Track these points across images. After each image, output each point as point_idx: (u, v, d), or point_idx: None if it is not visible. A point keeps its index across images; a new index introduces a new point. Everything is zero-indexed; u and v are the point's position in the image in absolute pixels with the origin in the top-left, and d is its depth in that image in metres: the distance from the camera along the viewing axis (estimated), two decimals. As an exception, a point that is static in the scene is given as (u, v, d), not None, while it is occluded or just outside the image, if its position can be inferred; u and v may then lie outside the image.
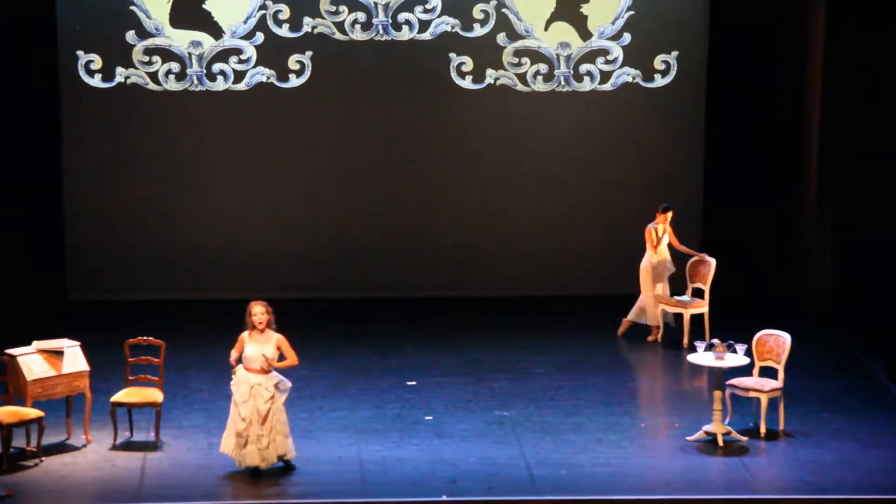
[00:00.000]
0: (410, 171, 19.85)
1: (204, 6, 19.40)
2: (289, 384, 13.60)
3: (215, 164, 19.69)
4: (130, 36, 19.33)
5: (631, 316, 18.07)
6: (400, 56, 19.57)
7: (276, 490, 13.16)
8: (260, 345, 13.42)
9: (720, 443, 14.21)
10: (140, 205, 19.59)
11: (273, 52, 19.47)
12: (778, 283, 19.56)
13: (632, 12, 19.61)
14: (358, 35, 19.51)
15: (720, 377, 14.34)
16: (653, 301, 17.89)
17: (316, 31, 19.48)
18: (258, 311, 13.44)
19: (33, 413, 13.87)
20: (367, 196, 19.82)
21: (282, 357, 13.50)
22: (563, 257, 19.95)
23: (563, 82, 19.72)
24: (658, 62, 19.73)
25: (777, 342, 14.76)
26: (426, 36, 19.56)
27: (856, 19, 18.01)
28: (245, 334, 13.48)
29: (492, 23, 19.56)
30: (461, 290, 19.92)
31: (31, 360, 14.10)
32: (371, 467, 13.69)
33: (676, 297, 17.89)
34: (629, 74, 19.74)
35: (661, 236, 17.83)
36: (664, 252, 17.89)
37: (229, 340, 13.69)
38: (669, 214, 17.87)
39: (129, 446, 14.22)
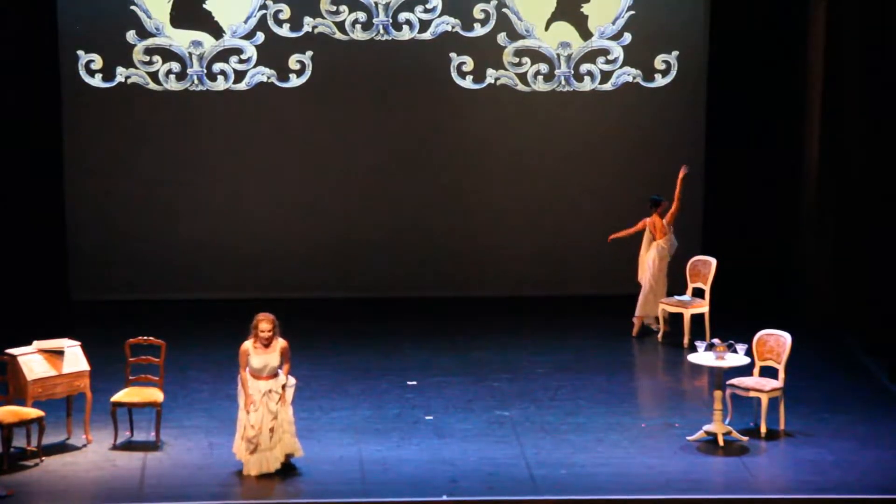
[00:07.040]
0: (410, 170, 19.85)
1: (204, 6, 19.40)
2: (294, 381, 13.62)
3: (216, 164, 19.69)
4: (131, 36, 19.33)
5: (646, 315, 18.10)
6: (400, 56, 19.57)
7: (277, 490, 13.16)
8: (265, 354, 13.39)
9: (721, 443, 14.21)
10: (141, 205, 19.60)
11: (273, 52, 19.48)
12: (778, 283, 19.57)
13: (632, 12, 19.61)
14: (358, 35, 19.51)
15: (720, 377, 14.33)
16: (657, 298, 17.90)
17: (316, 30, 19.49)
18: (265, 328, 13.33)
19: (34, 413, 13.86)
20: (368, 196, 19.82)
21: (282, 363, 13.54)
22: (563, 257, 19.96)
23: (563, 82, 19.72)
24: (658, 62, 19.74)
25: (777, 342, 14.76)
26: (427, 36, 19.57)
27: (856, 19, 18.00)
28: (249, 345, 13.42)
29: (492, 22, 19.57)
30: (461, 290, 19.92)
31: (32, 360, 14.10)
32: (371, 467, 13.68)
33: (677, 297, 17.89)
34: (629, 74, 19.74)
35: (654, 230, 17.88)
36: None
37: (229, 340, 13.69)
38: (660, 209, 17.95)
39: (129, 446, 14.22)
